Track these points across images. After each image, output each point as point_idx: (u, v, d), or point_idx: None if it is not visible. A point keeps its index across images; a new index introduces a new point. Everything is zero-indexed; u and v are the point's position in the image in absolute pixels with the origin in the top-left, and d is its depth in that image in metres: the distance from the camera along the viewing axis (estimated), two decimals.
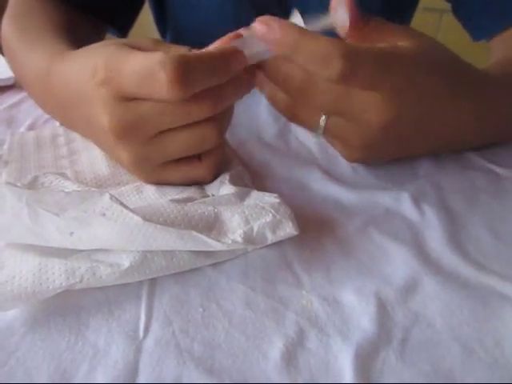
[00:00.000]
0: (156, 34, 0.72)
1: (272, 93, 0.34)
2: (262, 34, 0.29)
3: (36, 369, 0.22)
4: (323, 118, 0.33)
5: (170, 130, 0.30)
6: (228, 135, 0.41)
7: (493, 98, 0.37)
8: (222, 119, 0.32)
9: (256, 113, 0.47)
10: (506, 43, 0.50)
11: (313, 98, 0.31)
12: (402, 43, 0.32)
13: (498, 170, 0.38)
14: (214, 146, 0.32)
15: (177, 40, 0.68)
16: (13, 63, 0.47)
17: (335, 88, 0.30)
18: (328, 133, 0.34)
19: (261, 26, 0.29)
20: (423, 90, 0.32)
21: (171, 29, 0.68)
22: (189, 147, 0.31)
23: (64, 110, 0.37)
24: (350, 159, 0.36)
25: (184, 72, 0.27)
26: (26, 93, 0.47)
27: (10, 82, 0.50)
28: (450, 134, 0.36)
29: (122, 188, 0.33)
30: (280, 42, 0.29)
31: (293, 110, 0.34)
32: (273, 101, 0.35)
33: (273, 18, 0.29)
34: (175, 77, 0.27)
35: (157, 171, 0.33)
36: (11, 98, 0.50)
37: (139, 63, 0.28)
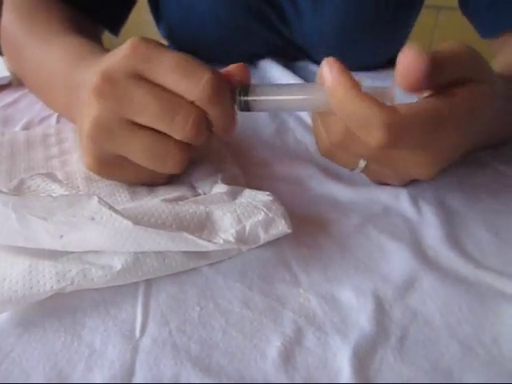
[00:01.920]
0: (154, 32, 0.72)
1: (317, 129, 0.32)
2: (324, 73, 0.28)
3: (32, 369, 0.22)
4: (362, 163, 0.32)
5: (143, 126, 0.29)
6: None
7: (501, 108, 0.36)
8: (191, 150, 0.30)
9: None
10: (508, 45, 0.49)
11: (354, 148, 0.29)
12: (458, 93, 0.28)
13: (499, 166, 0.38)
14: (168, 170, 0.30)
15: (170, 36, 0.68)
16: (16, 58, 0.46)
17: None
18: (365, 172, 0.34)
19: (325, 66, 0.27)
20: (474, 135, 0.30)
21: (165, 24, 0.68)
22: (146, 151, 0.29)
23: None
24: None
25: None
26: (28, 87, 0.47)
27: (6, 81, 0.49)
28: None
29: (114, 188, 0.33)
30: (330, 91, 0.27)
31: (333, 152, 0.32)
32: (315, 135, 0.33)
33: (337, 62, 0.27)
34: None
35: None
36: (7, 97, 0.49)
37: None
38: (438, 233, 0.30)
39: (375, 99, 0.26)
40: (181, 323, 0.24)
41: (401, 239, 0.30)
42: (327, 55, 0.28)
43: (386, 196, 0.34)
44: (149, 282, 0.27)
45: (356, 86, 0.27)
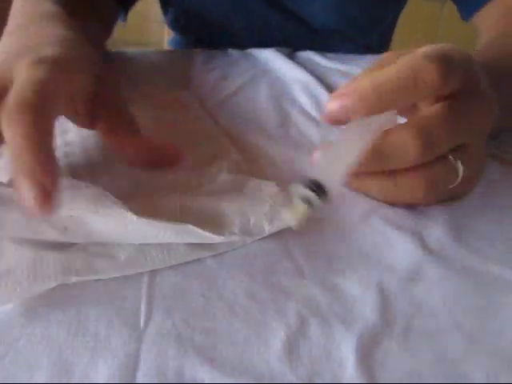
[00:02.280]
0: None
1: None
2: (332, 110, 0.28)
3: (36, 360, 0.22)
4: (460, 165, 0.29)
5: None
6: (227, 125, 0.41)
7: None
8: None
9: (255, 102, 0.46)
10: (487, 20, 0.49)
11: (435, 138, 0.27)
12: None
13: (500, 155, 0.38)
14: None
15: (178, 24, 0.68)
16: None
17: (451, 126, 0.27)
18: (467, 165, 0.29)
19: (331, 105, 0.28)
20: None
21: (175, 11, 0.68)
22: None
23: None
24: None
25: None
26: None
27: None
28: None
29: (117, 180, 0.32)
30: (358, 103, 0.27)
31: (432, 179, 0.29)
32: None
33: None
34: None
35: None
36: None
37: None
38: (442, 223, 0.30)
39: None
40: (185, 314, 0.24)
41: (406, 230, 0.30)
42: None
43: None
44: (153, 273, 0.26)
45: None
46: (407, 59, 0.26)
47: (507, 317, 0.24)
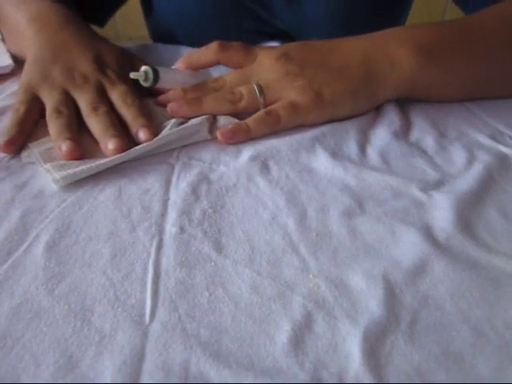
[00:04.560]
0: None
1: None
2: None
3: (42, 355, 0.22)
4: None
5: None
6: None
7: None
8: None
9: None
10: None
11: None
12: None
13: (503, 148, 0.37)
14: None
15: (159, 30, 0.67)
16: (1, 23, 0.52)
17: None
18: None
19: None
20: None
21: (155, 18, 0.67)
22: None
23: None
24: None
25: None
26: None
27: (8, 70, 0.49)
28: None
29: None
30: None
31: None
32: None
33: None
34: None
35: None
36: (13, 86, 0.49)
37: None
38: (448, 217, 0.30)
39: None
40: (190, 308, 0.24)
41: (411, 223, 0.30)
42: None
43: (395, 180, 0.34)
44: (157, 268, 0.26)
45: None
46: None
47: None
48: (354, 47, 0.41)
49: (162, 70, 0.42)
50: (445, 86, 0.42)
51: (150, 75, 0.41)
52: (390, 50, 0.40)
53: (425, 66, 0.39)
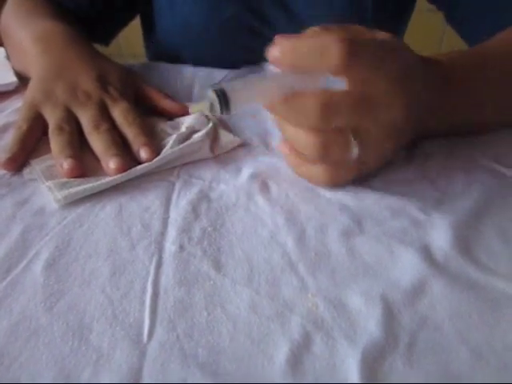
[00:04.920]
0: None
1: (293, 134, 0.33)
2: (273, 59, 0.30)
3: (39, 373, 0.22)
4: (354, 143, 0.31)
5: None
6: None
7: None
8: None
9: (263, 116, 0.46)
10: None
11: (337, 117, 0.30)
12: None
13: (505, 170, 0.37)
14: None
15: (160, 51, 0.68)
16: (5, 40, 0.54)
17: (353, 98, 0.30)
18: (362, 153, 0.32)
19: (272, 50, 0.30)
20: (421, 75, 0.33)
21: (158, 39, 0.68)
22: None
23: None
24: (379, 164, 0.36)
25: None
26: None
27: (12, 87, 0.50)
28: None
29: None
30: (282, 53, 0.30)
31: (325, 147, 0.31)
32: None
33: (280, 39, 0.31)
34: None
35: None
36: (17, 103, 0.50)
37: None
38: (447, 237, 0.30)
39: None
40: (188, 328, 0.24)
41: (410, 244, 0.30)
42: None
43: (394, 200, 0.34)
44: (156, 287, 0.27)
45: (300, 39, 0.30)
46: (326, 35, 0.30)
47: None
48: None
49: (234, 88, 0.29)
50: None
51: (217, 102, 0.28)
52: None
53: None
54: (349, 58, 0.28)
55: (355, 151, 0.31)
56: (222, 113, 0.29)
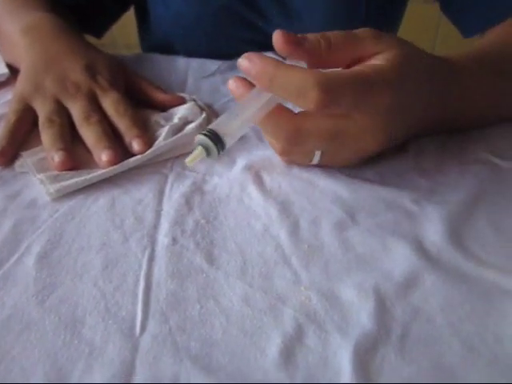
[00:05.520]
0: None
1: (268, 135, 0.34)
2: (244, 69, 0.30)
3: (32, 367, 0.22)
4: (317, 153, 0.33)
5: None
6: None
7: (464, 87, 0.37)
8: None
9: None
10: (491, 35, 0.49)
11: (304, 143, 0.31)
12: (377, 61, 0.31)
13: (499, 162, 0.37)
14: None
15: (156, 43, 0.68)
16: None
17: (324, 129, 0.30)
18: (324, 160, 0.34)
19: (243, 61, 0.30)
20: (409, 100, 0.32)
21: (152, 31, 0.68)
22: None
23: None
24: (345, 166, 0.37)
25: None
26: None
27: (3, 79, 0.49)
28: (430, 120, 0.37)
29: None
30: (259, 76, 0.29)
31: (287, 149, 0.33)
32: (269, 142, 0.36)
33: (255, 53, 0.30)
34: None
35: None
36: (8, 94, 0.49)
37: None
38: (439, 229, 0.30)
39: (303, 67, 0.29)
40: (181, 321, 0.24)
41: (403, 236, 0.30)
42: None
43: (387, 192, 0.34)
44: (149, 280, 0.26)
45: (280, 62, 0.29)
46: (304, 74, 0.28)
47: (505, 324, 0.24)
48: None
49: (221, 124, 0.29)
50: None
51: (211, 146, 0.28)
52: None
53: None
54: (324, 105, 0.28)
55: (315, 160, 0.34)
56: (219, 153, 0.29)
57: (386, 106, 0.30)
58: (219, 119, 0.30)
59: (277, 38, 0.30)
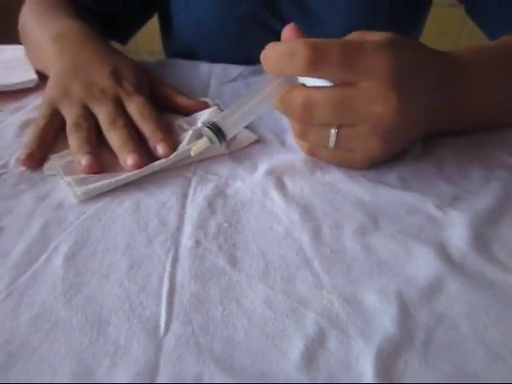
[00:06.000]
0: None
1: (291, 124, 0.36)
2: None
3: (59, 364, 0.22)
4: (333, 131, 0.33)
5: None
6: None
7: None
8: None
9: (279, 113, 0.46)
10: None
11: (316, 114, 0.32)
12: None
13: None
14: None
15: (180, 50, 0.69)
16: (23, 40, 0.56)
17: (332, 95, 0.31)
18: (340, 145, 0.34)
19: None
20: (414, 70, 0.33)
21: (176, 39, 0.69)
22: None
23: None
24: (367, 165, 0.36)
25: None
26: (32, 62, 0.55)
27: (32, 84, 0.51)
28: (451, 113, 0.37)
29: None
30: (265, 61, 0.32)
31: (303, 130, 0.35)
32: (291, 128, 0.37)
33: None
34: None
35: None
36: (37, 100, 0.51)
37: None
38: (464, 234, 0.30)
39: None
40: (204, 322, 0.24)
41: (426, 241, 0.30)
42: None
43: (411, 197, 0.33)
44: (173, 281, 0.27)
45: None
46: (294, 41, 0.31)
47: None
48: None
49: (223, 117, 0.33)
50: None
51: (213, 137, 0.32)
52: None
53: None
54: (314, 60, 0.30)
55: (332, 141, 0.34)
56: (220, 143, 0.32)
57: (390, 70, 0.30)
58: (222, 113, 0.33)
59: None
